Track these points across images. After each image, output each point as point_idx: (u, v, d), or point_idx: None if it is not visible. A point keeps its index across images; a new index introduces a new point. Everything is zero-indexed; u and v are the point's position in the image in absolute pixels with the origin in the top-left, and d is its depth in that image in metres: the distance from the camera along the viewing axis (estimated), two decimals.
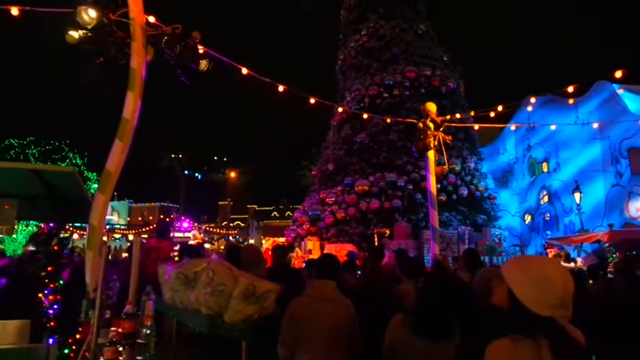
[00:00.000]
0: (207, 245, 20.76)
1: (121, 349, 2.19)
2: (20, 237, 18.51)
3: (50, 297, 4.05)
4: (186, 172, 40.54)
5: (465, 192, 17.08)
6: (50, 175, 3.70)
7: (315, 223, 17.28)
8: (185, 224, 33.27)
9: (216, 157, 46.53)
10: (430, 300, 2.97)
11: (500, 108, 9.73)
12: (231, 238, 35.92)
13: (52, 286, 4.13)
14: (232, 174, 48.16)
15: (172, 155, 41.00)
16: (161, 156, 41.30)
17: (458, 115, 11.27)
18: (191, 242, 18.14)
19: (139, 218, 49.11)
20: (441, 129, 9.92)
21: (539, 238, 19.04)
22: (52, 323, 3.99)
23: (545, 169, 19.54)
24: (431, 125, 9.89)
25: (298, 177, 37.04)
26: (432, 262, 7.13)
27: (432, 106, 10.21)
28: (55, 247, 4.30)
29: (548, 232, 18.49)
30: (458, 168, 17.10)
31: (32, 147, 23.17)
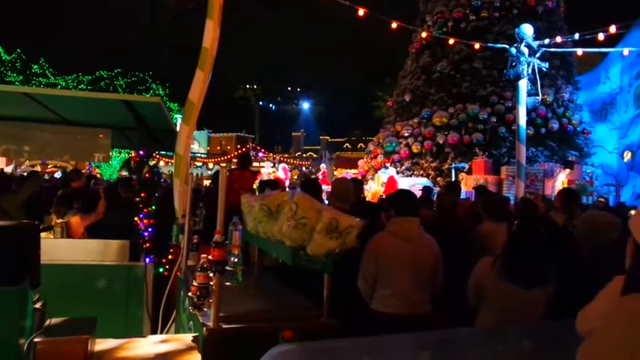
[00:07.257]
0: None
1: (211, 274, 2.30)
2: (115, 162, 20.26)
3: (145, 221, 4.37)
4: (260, 102, 41.23)
5: (555, 125, 15.61)
6: (139, 105, 3.82)
7: (390, 155, 16.96)
8: (260, 154, 34.44)
9: (289, 88, 46.62)
10: (525, 244, 2.75)
11: (613, 29, 8.35)
12: (304, 168, 36.72)
13: (145, 210, 4.44)
14: (305, 105, 48.29)
15: (247, 86, 41.67)
16: (236, 86, 42.12)
17: (559, 39, 9.92)
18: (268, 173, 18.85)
19: (218, 147, 51.54)
20: (537, 55, 8.87)
21: (638, 178, 17.23)
22: (147, 244, 4.33)
23: None
24: (525, 51, 8.87)
25: (372, 108, 36.23)
26: (519, 202, 6.69)
27: (528, 29, 9.08)
28: (147, 175, 4.57)
29: None
30: (550, 99, 15.55)
31: (120, 78, 24.60)
